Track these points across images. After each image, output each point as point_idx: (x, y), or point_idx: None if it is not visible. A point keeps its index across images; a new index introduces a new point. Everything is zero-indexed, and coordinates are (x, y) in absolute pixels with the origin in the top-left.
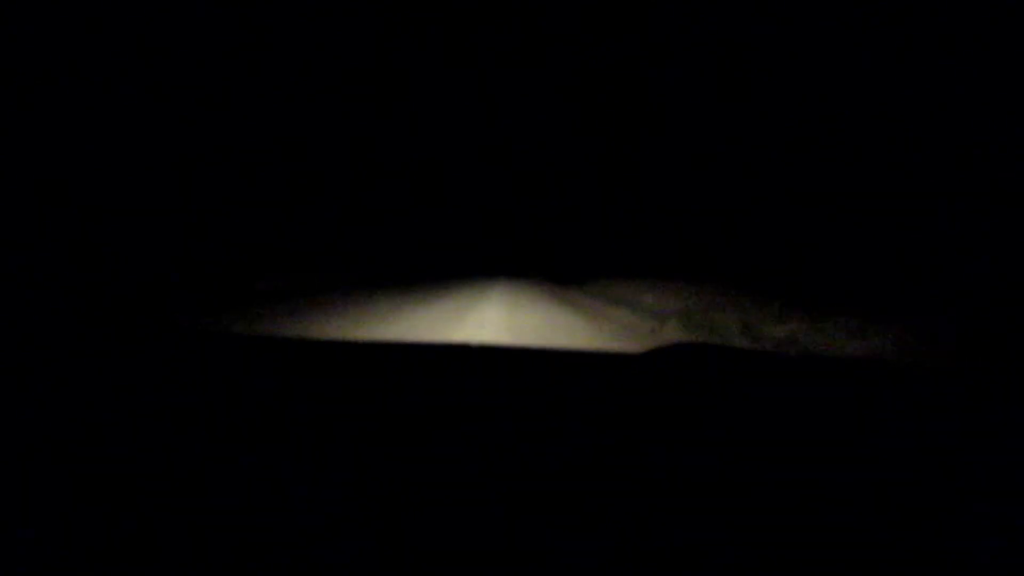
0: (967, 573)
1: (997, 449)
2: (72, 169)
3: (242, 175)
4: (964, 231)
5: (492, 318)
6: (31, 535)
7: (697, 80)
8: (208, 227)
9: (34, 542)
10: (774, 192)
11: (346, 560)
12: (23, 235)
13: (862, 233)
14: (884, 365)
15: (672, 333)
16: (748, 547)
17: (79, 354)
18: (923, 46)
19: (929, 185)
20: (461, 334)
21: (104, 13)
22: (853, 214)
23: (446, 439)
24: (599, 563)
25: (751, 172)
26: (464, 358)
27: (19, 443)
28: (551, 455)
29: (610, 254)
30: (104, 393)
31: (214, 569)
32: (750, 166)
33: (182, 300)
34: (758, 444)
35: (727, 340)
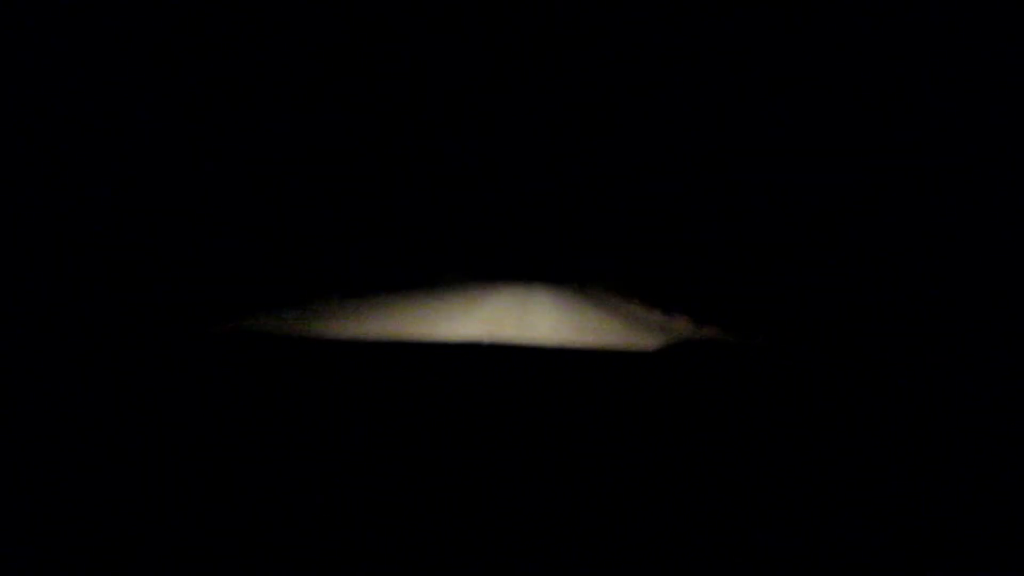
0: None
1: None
2: (71, 170)
3: (257, 179)
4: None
5: (502, 316)
6: (43, 531)
7: (696, 81)
8: (220, 231)
9: (44, 537)
10: (769, 192)
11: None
12: (38, 239)
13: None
14: (889, 364)
15: (682, 328)
16: (761, 537)
17: (102, 358)
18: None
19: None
20: (472, 331)
21: (104, 13)
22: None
23: (455, 436)
24: (612, 557)
25: (747, 173)
26: (475, 357)
27: (38, 443)
28: (565, 452)
29: (613, 254)
30: (144, 394)
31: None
32: (746, 167)
33: (198, 304)
34: (768, 438)
35: (733, 335)
